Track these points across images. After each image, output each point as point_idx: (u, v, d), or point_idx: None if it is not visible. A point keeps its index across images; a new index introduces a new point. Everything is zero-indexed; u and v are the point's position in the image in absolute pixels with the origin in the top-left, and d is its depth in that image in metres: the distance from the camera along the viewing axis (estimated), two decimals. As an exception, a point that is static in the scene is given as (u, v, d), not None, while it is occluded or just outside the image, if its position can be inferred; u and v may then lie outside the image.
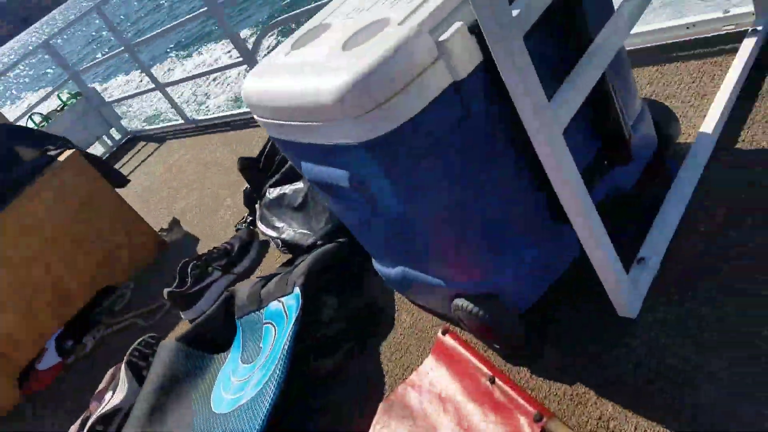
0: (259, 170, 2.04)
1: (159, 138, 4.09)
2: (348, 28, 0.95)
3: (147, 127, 4.62)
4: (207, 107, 7.15)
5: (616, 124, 1.00)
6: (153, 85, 3.78)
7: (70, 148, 2.19)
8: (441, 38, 0.78)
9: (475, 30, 0.78)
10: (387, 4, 0.94)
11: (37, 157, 2.18)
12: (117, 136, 4.60)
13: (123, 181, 2.45)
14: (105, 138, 4.58)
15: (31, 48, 5.25)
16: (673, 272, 1.03)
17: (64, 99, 4.49)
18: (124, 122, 4.84)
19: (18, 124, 3.24)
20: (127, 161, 3.99)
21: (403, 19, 0.83)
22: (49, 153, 2.18)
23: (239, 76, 7.54)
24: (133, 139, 4.45)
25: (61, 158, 2.11)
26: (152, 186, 3.19)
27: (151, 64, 9.54)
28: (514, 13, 0.71)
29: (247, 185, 2.11)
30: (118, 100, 4.91)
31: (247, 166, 2.06)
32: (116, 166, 3.72)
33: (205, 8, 2.78)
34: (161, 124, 4.35)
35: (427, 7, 0.83)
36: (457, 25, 0.79)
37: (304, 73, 0.91)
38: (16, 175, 2.07)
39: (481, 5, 0.67)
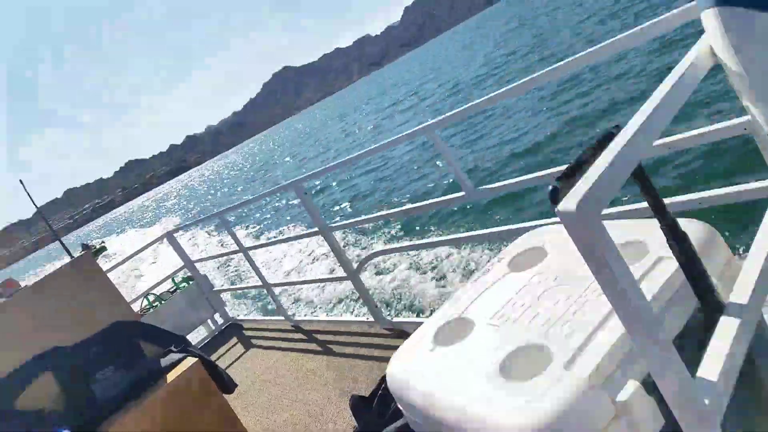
0: (371, 413, 1.95)
1: (259, 330, 4.25)
2: (497, 341, 0.97)
3: (248, 318, 4.82)
4: (310, 306, 7.44)
5: None
6: (260, 283, 4.03)
7: (190, 351, 2.30)
8: (619, 398, 0.79)
9: (651, 389, 0.77)
10: (536, 321, 0.97)
11: (159, 356, 2.31)
12: (220, 321, 4.82)
13: (231, 387, 2.49)
14: (209, 322, 4.83)
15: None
16: None
17: (178, 282, 4.84)
18: (227, 307, 5.09)
19: (140, 313, 3.41)
20: (225, 352, 4.11)
21: (567, 361, 0.84)
22: (171, 355, 2.28)
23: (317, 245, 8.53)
24: (233, 326, 4.60)
25: (184, 365, 2.19)
26: (251, 389, 3.24)
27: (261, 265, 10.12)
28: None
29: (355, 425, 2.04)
30: (228, 290, 5.30)
31: (359, 405, 2.00)
32: (216, 355, 4.02)
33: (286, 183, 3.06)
34: (263, 316, 4.59)
35: (592, 350, 0.83)
36: (634, 384, 0.80)
37: (463, 390, 0.93)
38: (137, 373, 2.20)
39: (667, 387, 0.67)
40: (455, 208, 7.55)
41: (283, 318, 4.03)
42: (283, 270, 9.18)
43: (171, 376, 2.12)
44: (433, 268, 6.21)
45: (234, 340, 4.28)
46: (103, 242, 20.28)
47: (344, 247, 5.64)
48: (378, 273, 6.82)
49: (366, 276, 6.21)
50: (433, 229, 7.64)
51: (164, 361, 2.24)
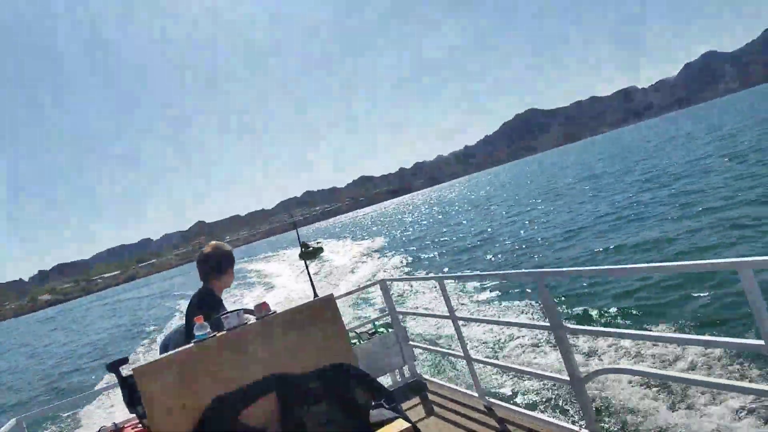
0: None
1: (447, 399, 4.28)
2: None
3: (436, 380, 4.72)
4: (509, 388, 7.05)
5: None
6: (461, 353, 4.06)
7: (400, 413, 2.38)
8: None
9: None
10: None
11: (369, 407, 2.43)
12: (407, 374, 4.88)
13: None
14: (397, 372, 4.88)
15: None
16: None
17: (378, 324, 5.10)
18: (417, 362, 5.18)
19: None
20: (407, 408, 4.12)
21: None
22: (382, 410, 2.39)
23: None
24: (419, 384, 4.64)
25: (395, 426, 2.24)
26: None
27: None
28: None
29: None
30: (424, 348, 5.22)
31: None
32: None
33: None
34: (454, 385, 4.51)
35: None
36: None
37: None
38: (348, 418, 2.36)
39: None
40: (742, 354, 6.17)
41: (476, 395, 4.02)
42: (487, 344, 8.83)
43: None
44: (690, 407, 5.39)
45: (417, 399, 4.40)
46: (319, 242, 42.82)
47: (573, 345, 4.21)
48: (605, 384, 6.15)
49: (591, 385, 5.62)
50: (697, 362, 6.27)
51: (374, 415, 2.34)
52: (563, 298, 10.32)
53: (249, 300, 27.98)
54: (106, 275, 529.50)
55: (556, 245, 17.31)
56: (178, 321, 24.98)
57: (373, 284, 5.21)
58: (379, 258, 29.72)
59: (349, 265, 30.01)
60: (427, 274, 18.50)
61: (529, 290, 11.57)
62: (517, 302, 10.94)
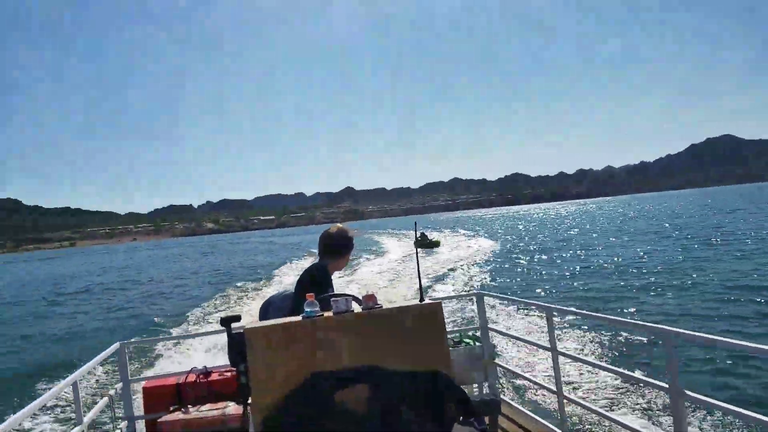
0: None
1: (524, 424, 4.35)
2: None
3: (517, 405, 4.77)
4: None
5: None
6: (554, 388, 4.11)
7: (495, 411, 2.80)
8: None
9: None
10: None
11: (458, 422, 2.55)
12: (485, 390, 4.91)
13: None
14: (475, 387, 4.89)
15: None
16: None
17: (468, 337, 5.03)
18: (498, 383, 5.15)
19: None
20: None
21: None
22: (473, 430, 2.51)
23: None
24: (496, 404, 4.50)
25: None
26: None
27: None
28: None
29: None
30: (508, 369, 5.25)
31: None
32: None
33: None
34: (534, 415, 4.48)
35: None
36: None
37: None
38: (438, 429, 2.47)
39: None
40: None
41: (560, 431, 4.01)
42: (581, 386, 8.55)
43: None
44: None
45: (488, 419, 4.36)
46: (438, 241, 31.79)
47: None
48: None
49: None
50: None
51: (460, 431, 2.44)
52: (690, 362, 9.55)
53: (356, 270, 30.19)
54: (262, 218, 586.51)
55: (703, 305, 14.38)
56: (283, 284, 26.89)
57: (470, 295, 5.07)
58: (480, 264, 29.16)
59: (450, 261, 30.03)
60: (521, 295, 17.64)
61: (650, 344, 10.53)
62: (628, 353, 10.36)
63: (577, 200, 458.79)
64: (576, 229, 53.92)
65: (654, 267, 22.11)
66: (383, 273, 28.41)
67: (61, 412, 9.26)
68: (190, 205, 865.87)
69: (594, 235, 45.06)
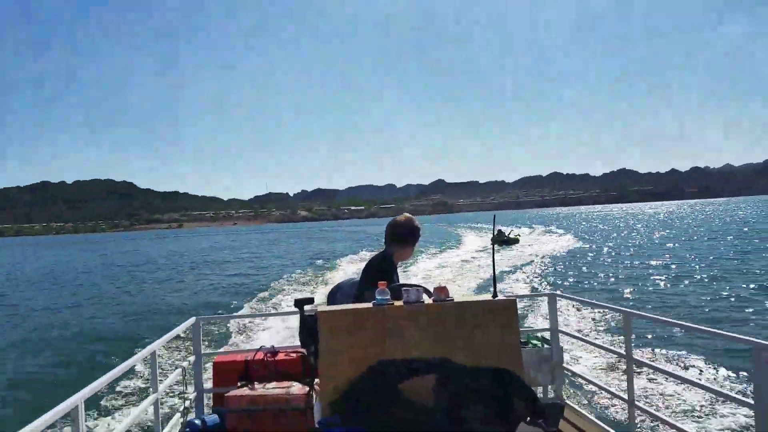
0: None
1: (592, 425, 4.17)
2: None
3: (582, 410, 4.66)
4: None
5: None
6: (625, 396, 3.93)
7: (558, 414, 2.63)
8: None
9: None
10: None
11: (525, 420, 2.53)
12: (551, 394, 4.86)
13: None
14: (541, 389, 4.84)
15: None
16: None
17: (537, 339, 5.01)
18: (564, 387, 5.12)
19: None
20: None
21: None
22: (538, 430, 2.45)
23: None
24: (559, 409, 4.16)
25: None
26: None
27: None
28: None
29: None
30: (575, 374, 5.20)
31: None
32: None
33: None
34: (602, 423, 4.25)
35: None
36: None
37: None
38: (506, 426, 2.46)
39: None
40: None
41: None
42: (657, 396, 8.16)
43: None
44: None
45: (562, 422, 4.23)
46: (518, 235, 42.08)
47: None
48: None
49: None
50: None
51: (526, 430, 2.40)
52: None
53: (425, 258, 31.21)
54: (352, 207, 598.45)
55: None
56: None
57: (542, 295, 5.32)
58: (559, 262, 28.89)
59: (526, 258, 30.60)
60: (593, 298, 16.61)
61: (737, 357, 9.70)
62: (711, 364, 9.80)
63: (692, 200, 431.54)
64: (677, 234, 50.14)
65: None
66: (456, 265, 28.73)
67: (138, 380, 9.68)
68: (287, 193, 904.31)
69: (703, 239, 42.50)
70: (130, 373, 9.73)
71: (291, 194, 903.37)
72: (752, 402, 2.81)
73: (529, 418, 2.49)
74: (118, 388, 9.35)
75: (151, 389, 3.61)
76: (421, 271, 25.84)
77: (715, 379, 9.24)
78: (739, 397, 3.27)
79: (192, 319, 4.48)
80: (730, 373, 9.34)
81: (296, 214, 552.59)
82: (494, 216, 4.09)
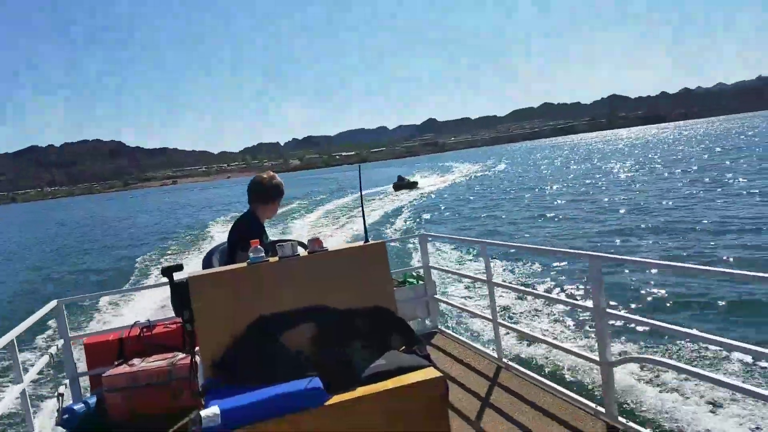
0: None
1: (464, 352, 4.64)
2: None
3: (456, 335, 5.14)
4: (529, 354, 7.43)
5: None
6: (489, 316, 4.49)
7: (433, 364, 2.54)
8: None
9: None
10: None
11: (403, 351, 2.64)
12: (428, 325, 5.43)
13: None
14: (416, 322, 5.41)
15: None
16: None
17: (413, 276, 5.62)
18: (440, 317, 5.72)
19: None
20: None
21: None
22: (415, 357, 2.55)
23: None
24: (437, 335, 5.17)
25: (426, 373, 2.42)
26: None
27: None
28: None
29: None
30: (447, 303, 5.78)
31: None
32: None
33: None
34: (473, 343, 4.86)
35: None
36: None
37: None
38: (384, 359, 2.51)
39: None
40: None
41: (496, 356, 4.30)
42: (518, 314, 9.21)
43: (413, 377, 2.37)
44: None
45: (434, 350, 4.71)
46: (415, 181, 49.01)
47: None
48: (638, 374, 6.35)
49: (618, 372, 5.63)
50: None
51: (407, 359, 2.50)
52: (612, 283, 10.35)
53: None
54: (343, 153, 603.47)
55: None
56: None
57: (413, 236, 5.30)
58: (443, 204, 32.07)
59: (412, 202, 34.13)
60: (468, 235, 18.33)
61: (575, 269, 11.58)
62: (556, 279, 11.26)
63: (679, 122, 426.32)
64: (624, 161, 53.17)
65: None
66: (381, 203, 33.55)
67: (1, 375, 9.07)
68: (277, 142, 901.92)
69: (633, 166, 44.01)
70: None
71: (282, 143, 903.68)
72: (591, 305, 3.21)
73: (405, 348, 2.62)
74: None
75: (15, 381, 3.40)
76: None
77: (560, 289, 10.31)
78: (581, 302, 3.81)
79: (53, 302, 4.21)
80: (573, 284, 10.64)
81: (288, 164, 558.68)
82: (359, 166, 4.18)
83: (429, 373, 2.38)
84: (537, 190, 34.90)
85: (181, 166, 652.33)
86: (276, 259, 2.69)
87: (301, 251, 2.82)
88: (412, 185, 46.53)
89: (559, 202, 26.66)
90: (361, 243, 2.85)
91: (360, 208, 3.22)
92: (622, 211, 20.75)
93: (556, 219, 21.19)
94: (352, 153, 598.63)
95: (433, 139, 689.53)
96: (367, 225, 3.14)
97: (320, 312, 2.61)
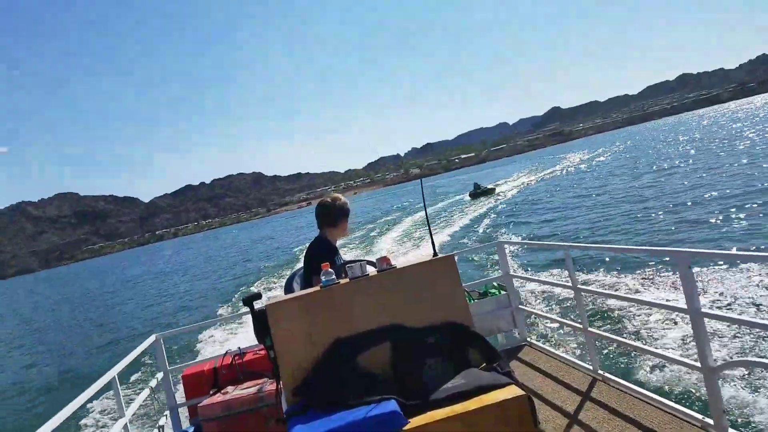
0: None
1: (554, 364, 4.33)
2: None
3: (547, 347, 4.79)
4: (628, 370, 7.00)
5: None
6: (580, 325, 4.15)
7: (514, 380, 2.41)
8: None
9: None
10: None
11: (483, 369, 2.55)
12: (517, 337, 5.11)
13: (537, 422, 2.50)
14: (503, 335, 5.11)
15: None
16: None
17: (495, 287, 5.36)
18: (528, 328, 5.28)
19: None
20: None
21: None
22: (495, 374, 2.44)
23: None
24: (527, 348, 4.84)
25: (509, 392, 2.29)
26: None
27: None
28: None
29: None
30: (536, 314, 5.61)
31: None
32: None
33: None
34: (567, 356, 4.45)
35: None
36: None
37: None
38: (463, 378, 2.45)
39: None
40: None
41: (591, 367, 4.06)
42: (611, 320, 8.74)
43: (493, 397, 2.27)
44: None
45: (523, 365, 4.48)
46: (492, 188, 48.73)
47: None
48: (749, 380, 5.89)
49: (724, 376, 5.42)
50: None
51: (486, 378, 2.41)
52: (705, 281, 9.73)
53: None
54: (462, 156, 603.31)
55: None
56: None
57: (490, 245, 5.42)
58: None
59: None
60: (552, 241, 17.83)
61: (666, 270, 10.94)
62: (645, 280, 10.60)
63: None
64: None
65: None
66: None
67: (104, 408, 9.45)
68: (398, 154, 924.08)
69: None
70: (94, 403, 9.64)
71: (402, 154, 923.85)
72: (685, 306, 2.93)
73: (485, 364, 2.55)
74: (84, 421, 9.26)
75: (117, 415, 3.47)
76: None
77: (651, 291, 9.80)
78: (674, 304, 3.35)
79: (152, 337, 4.41)
80: (664, 283, 10.12)
81: (408, 173, 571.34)
82: (420, 181, 3.76)
83: (511, 392, 2.28)
84: (636, 180, 32.39)
85: (314, 187, 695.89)
86: (347, 280, 2.74)
87: (371, 270, 2.85)
88: (489, 192, 46.65)
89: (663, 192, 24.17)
90: (430, 257, 2.84)
91: (427, 222, 3.21)
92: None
93: (653, 214, 19.17)
94: (471, 154, 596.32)
95: (558, 128, 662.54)
96: (439, 237, 4.04)
97: (394, 331, 2.61)
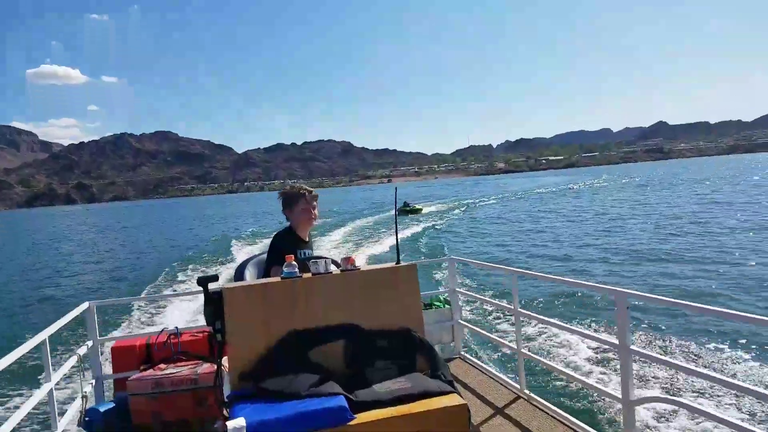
0: None
1: (487, 382, 4.61)
2: None
3: (480, 364, 5.10)
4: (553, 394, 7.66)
5: None
6: (514, 346, 4.46)
7: (457, 391, 2.59)
8: None
9: None
10: None
11: (428, 375, 2.71)
12: (452, 350, 5.42)
13: None
14: (439, 347, 5.27)
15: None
16: None
17: (440, 300, 5.54)
18: (463, 342, 5.70)
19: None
20: None
21: None
22: (440, 382, 2.62)
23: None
24: (459, 362, 5.19)
25: (451, 399, 2.47)
26: None
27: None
28: None
29: None
30: (474, 329, 5.64)
31: None
32: None
33: None
34: (497, 372, 4.82)
35: None
36: None
37: None
38: (408, 381, 2.62)
39: None
40: None
41: (518, 386, 4.27)
42: (542, 346, 9.59)
43: (437, 403, 2.43)
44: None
45: (455, 377, 4.60)
46: (421, 207, 44.08)
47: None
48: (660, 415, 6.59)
49: (641, 411, 6.36)
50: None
51: (432, 384, 2.57)
52: (638, 318, 10.66)
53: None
54: (551, 158, 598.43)
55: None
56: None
57: (442, 260, 5.81)
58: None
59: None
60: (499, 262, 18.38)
61: (600, 305, 12.03)
62: (583, 313, 11.62)
63: None
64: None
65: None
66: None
67: (30, 372, 9.46)
68: (490, 144, 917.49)
69: None
70: (21, 364, 9.51)
71: (494, 145, 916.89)
72: (617, 342, 3.16)
73: (430, 371, 2.71)
74: (8, 378, 9.36)
75: (43, 379, 3.52)
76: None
77: (587, 324, 10.84)
78: (605, 337, 3.79)
79: (85, 304, 4.40)
80: (598, 318, 11.18)
81: (494, 167, 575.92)
82: (396, 189, 4.10)
83: (453, 400, 2.42)
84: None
85: (398, 166, 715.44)
86: (309, 275, 2.82)
87: (334, 269, 2.92)
88: (414, 212, 48.37)
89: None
90: (393, 264, 2.94)
91: (395, 229, 3.38)
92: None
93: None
94: (561, 157, 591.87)
95: (659, 144, 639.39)
96: (399, 244, 3.24)
97: (350, 330, 2.70)
